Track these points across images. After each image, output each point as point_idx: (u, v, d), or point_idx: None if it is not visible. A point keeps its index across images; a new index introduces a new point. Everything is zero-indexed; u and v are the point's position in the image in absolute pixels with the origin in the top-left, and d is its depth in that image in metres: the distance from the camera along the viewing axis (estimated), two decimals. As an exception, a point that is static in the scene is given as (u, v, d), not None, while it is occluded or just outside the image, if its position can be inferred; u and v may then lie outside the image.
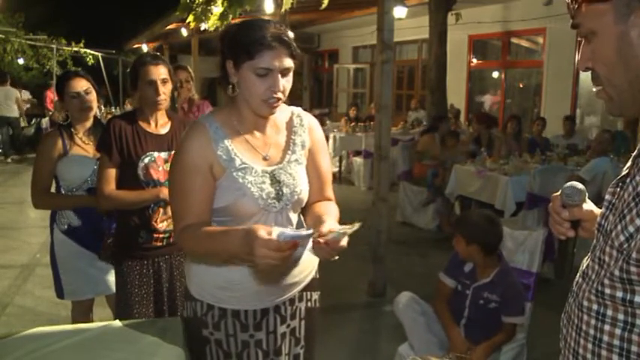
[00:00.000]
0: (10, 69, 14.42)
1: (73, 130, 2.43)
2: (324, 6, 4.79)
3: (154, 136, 2.19)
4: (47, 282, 2.91)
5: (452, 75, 8.31)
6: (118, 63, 16.45)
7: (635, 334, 0.86)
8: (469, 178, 5.08)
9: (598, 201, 1.08)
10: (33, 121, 11.78)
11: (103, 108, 9.93)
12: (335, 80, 13.29)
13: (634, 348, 0.86)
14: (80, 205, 2.41)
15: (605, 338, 0.90)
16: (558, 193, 1.12)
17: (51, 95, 11.52)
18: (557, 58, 8.12)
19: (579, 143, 6.36)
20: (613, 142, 5.03)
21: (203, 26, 5.35)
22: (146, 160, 2.14)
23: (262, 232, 1.20)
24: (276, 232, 1.19)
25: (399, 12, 7.64)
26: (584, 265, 0.99)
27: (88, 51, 14.82)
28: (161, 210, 2.16)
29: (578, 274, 1.01)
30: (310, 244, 1.26)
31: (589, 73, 0.93)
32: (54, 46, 13.88)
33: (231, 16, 4.94)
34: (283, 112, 1.56)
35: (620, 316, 0.88)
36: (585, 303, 0.95)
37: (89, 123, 2.48)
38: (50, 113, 10.82)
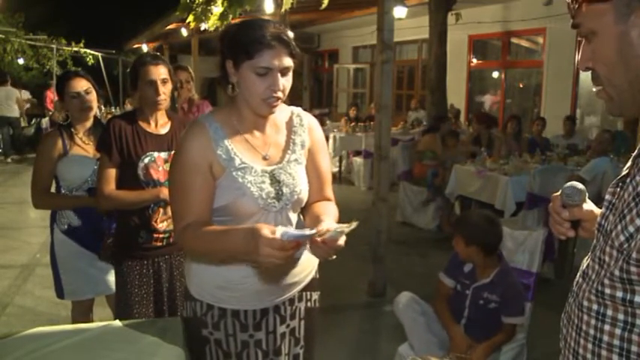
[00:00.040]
0: (10, 69, 14.42)
1: (73, 130, 2.43)
2: (324, 6, 4.79)
3: (153, 136, 2.19)
4: (47, 282, 2.91)
5: (452, 75, 8.31)
6: (118, 63, 16.46)
7: (635, 334, 0.86)
8: (469, 178, 5.08)
9: (598, 201, 1.08)
10: (33, 121, 11.79)
11: (103, 108, 9.93)
12: (335, 80, 13.29)
13: (634, 348, 0.86)
14: (80, 205, 2.41)
15: (605, 338, 0.90)
16: (558, 193, 1.12)
17: (51, 95, 11.52)
18: (557, 58, 8.12)
19: (579, 143, 6.36)
20: (613, 142, 5.03)
21: (203, 26, 5.35)
22: (146, 160, 2.14)
23: (266, 230, 1.20)
24: (279, 231, 1.20)
25: (399, 12, 7.64)
26: (584, 265, 0.99)
27: (88, 51, 14.83)
28: (161, 210, 2.16)
29: (578, 274, 1.01)
30: (308, 243, 1.26)
31: (589, 73, 0.93)
32: (54, 46, 13.89)
33: (231, 16, 4.94)
34: (283, 111, 1.56)
35: (620, 316, 0.88)
36: (585, 303, 0.95)
37: (89, 123, 2.48)
38: (50, 113, 10.83)
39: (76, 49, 14.53)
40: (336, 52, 14.39)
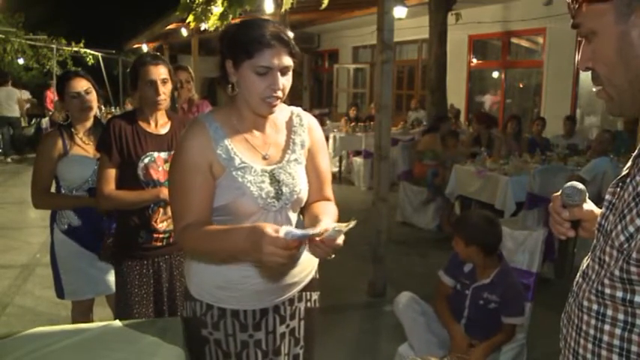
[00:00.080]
0: (10, 69, 14.43)
1: (73, 130, 2.43)
2: (324, 6, 4.79)
3: (153, 136, 2.19)
4: (47, 282, 2.91)
5: (452, 75, 8.31)
6: (118, 63, 16.47)
7: (635, 334, 0.86)
8: (469, 178, 5.08)
9: (598, 201, 1.09)
10: (33, 121, 11.81)
11: (103, 108, 9.93)
12: (335, 80, 13.29)
13: (634, 348, 0.86)
14: (80, 205, 2.41)
15: (605, 338, 0.90)
16: (559, 193, 1.12)
17: (51, 95, 11.53)
18: (557, 58, 8.12)
19: (579, 143, 6.36)
20: (613, 142, 5.03)
21: (203, 26, 5.35)
22: (146, 161, 2.14)
23: (270, 229, 1.21)
24: (283, 230, 1.20)
25: (399, 12, 7.64)
26: (585, 265, 0.99)
27: (88, 51, 14.83)
28: (161, 210, 2.16)
29: (578, 274, 1.01)
30: (307, 243, 1.26)
31: (589, 73, 0.93)
32: (54, 46, 13.90)
33: (231, 16, 4.94)
34: (283, 111, 1.56)
35: (620, 316, 0.88)
36: (585, 303, 0.95)
37: (89, 123, 2.48)
38: (50, 113, 10.84)
39: (76, 49, 14.54)
40: (336, 52, 14.39)
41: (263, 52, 1.35)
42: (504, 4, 8.79)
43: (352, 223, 1.22)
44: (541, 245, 2.64)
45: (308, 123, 1.58)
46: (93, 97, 2.44)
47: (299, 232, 1.22)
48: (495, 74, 10.08)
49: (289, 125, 1.56)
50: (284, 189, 1.47)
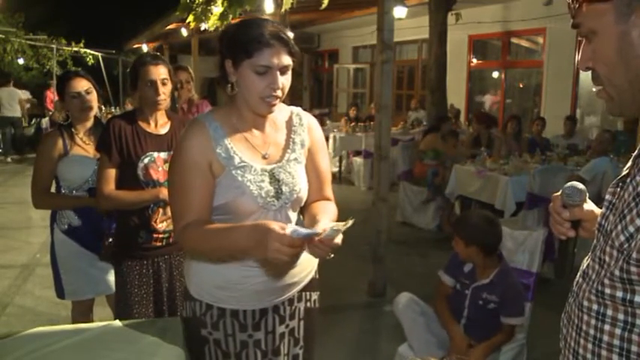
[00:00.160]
0: (10, 69, 14.45)
1: (73, 130, 2.43)
2: (324, 6, 4.79)
3: (153, 137, 2.19)
4: (47, 282, 2.91)
5: (452, 75, 8.31)
6: (118, 63, 16.47)
7: (635, 334, 0.86)
8: (469, 178, 5.08)
9: (598, 201, 1.09)
10: (33, 121, 11.81)
11: (103, 108, 9.93)
12: (335, 80, 13.29)
13: (634, 348, 0.86)
14: (80, 205, 2.41)
15: (605, 338, 0.90)
16: (559, 193, 1.12)
17: (51, 95, 11.54)
18: (557, 58, 8.12)
19: (579, 143, 6.36)
20: (613, 142, 5.03)
21: (203, 26, 5.35)
22: (146, 161, 2.14)
23: (276, 226, 1.21)
24: (290, 228, 1.21)
25: (399, 12, 7.64)
26: (585, 265, 0.99)
27: (88, 51, 14.83)
28: (161, 210, 2.16)
29: (578, 274, 1.01)
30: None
31: (589, 73, 0.93)
32: (54, 46, 13.90)
33: (231, 16, 4.94)
34: (283, 111, 1.56)
35: (620, 316, 0.88)
36: (585, 303, 0.95)
37: (90, 123, 2.48)
38: (50, 113, 10.85)
39: (76, 49, 14.54)
40: (336, 52, 14.39)
41: (262, 51, 1.35)
42: (504, 4, 8.79)
43: (350, 222, 1.22)
44: (541, 245, 2.64)
45: (308, 122, 1.58)
46: (93, 97, 2.44)
47: (304, 231, 1.22)
48: (495, 74, 10.08)
49: (289, 125, 1.56)
50: (284, 188, 1.47)
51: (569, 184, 1.11)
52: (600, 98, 0.93)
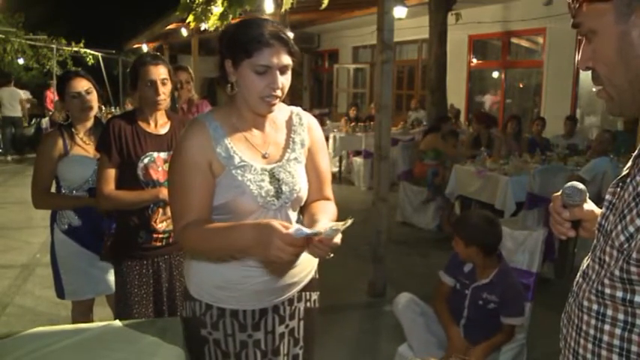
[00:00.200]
0: (10, 69, 14.45)
1: (73, 130, 2.43)
2: (324, 6, 4.79)
3: (153, 137, 2.19)
4: (47, 282, 2.91)
5: (452, 75, 8.31)
6: (118, 63, 16.47)
7: (635, 334, 0.86)
8: (469, 178, 5.08)
9: (598, 201, 1.09)
10: (33, 121, 11.81)
11: (103, 108, 9.94)
12: (335, 80, 13.28)
13: (634, 348, 0.86)
14: (80, 205, 2.41)
15: (605, 338, 0.90)
16: (559, 193, 1.12)
17: (51, 95, 11.55)
18: (557, 58, 8.12)
19: (579, 143, 6.36)
20: (613, 142, 5.03)
21: (203, 26, 5.35)
22: (146, 161, 2.14)
23: (278, 224, 1.22)
24: (294, 227, 1.21)
25: (399, 12, 7.64)
26: (585, 265, 0.99)
27: (88, 51, 14.83)
28: (160, 210, 2.16)
29: (578, 274, 1.01)
30: None
31: (589, 73, 0.93)
32: (54, 46, 13.90)
33: (231, 16, 4.94)
34: (283, 111, 1.56)
35: (620, 316, 0.88)
36: (585, 303, 0.95)
37: (90, 123, 2.48)
38: (50, 113, 10.85)
39: (76, 49, 14.54)
40: (336, 52, 14.39)
41: (262, 51, 1.35)
42: (504, 4, 8.79)
43: (349, 222, 1.22)
44: (541, 245, 2.64)
45: (308, 122, 1.58)
46: (93, 97, 2.44)
47: (308, 231, 1.22)
48: (495, 74, 10.08)
49: (289, 124, 1.56)
50: (284, 188, 1.47)
51: (569, 184, 1.11)
52: (600, 98, 0.93)
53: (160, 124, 2.23)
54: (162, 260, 2.20)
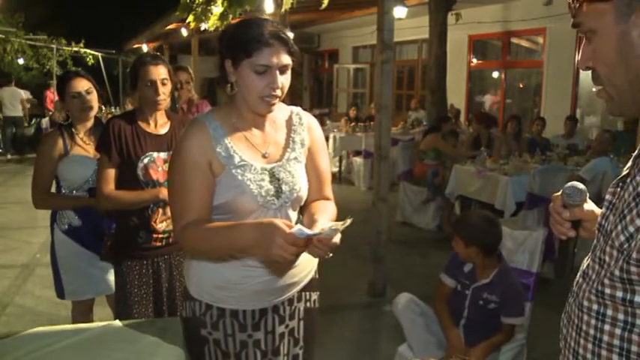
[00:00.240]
0: (10, 69, 14.44)
1: (73, 130, 2.43)
2: (324, 6, 4.80)
3: (153, 137, 2.19)
4: (47, 282, 2.91)
5: (452, 75, 8.31)
6: (118, 63, 16.47)
7: (635, 334, 0.86)
8: (469, 178, 5.08)
9: (598, 201, 1.09)
10: (33, 121, 11.81)
11: (104, 108, 9.94)
12: (335, 80, 13.29)
13: (634, 348, 0.86)
14: (80, 205, 2.41)
15: (605, 338, 0.90)
16: (559, 193, 1.12)
17: (51, 95, 11.55)
18: (557, 58, 8.12)
19: (579, 143, 6.36)
20: (613, 142, 5.03)
21: (203, 26, 5.35)
22: (145, 161, 2.14)
23: (281, 223, 1.22)
24: (296, 227, 1.21)
25: (399, 12, 7.64)
26: (585, 265, 0.99)
27: (88, 51, 14.83)
28: (160, 210, 2.16)
29: (578, 274, 1.01)
30: None
31: (589, 73, 0.93)
32: (54, 46, 13.90)
33: (231, 16, 4.94)
34: (283, 110, 1.56)
35: (620, 316, 0.88)
36: (585, 303, 0.95)
37: (90, 123, 2.48)
38: (50, 113, 10.85)
39: (76, 49, 14.54)
40: (336, 52, 14.39)
41: (262, 50, 1.35)
42: (504, 4, 8.79)
43: (348, 222, 1.22)
44: (541, 245, 2.64)
45: (308, 122, 1.59)
46: (94, 97, 2.45)
47: (310, 231, 1.23)
48: (495, 74, 10.08)
49: (289, 124, 1.56)
50: (284, 187, 1.47)
51: (569, 184, 1.11)
52: (600, 98, 0.93)
53: (160, 124, 2.23)
54: (162, 260, 2.20)
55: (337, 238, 1.26)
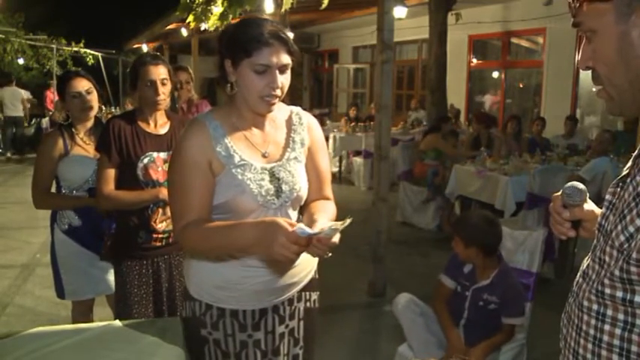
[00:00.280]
0: (10, 69, 14.44)
1: (74, 130, 2.43)
2: (324, 6, 4.80)
3: (153, 137, 2.19)
4: (47, 282, 2.91)
5: (452, 75, 8.31)
6: (118, 63, 16.47)
7: (635, 334, 0.86)
8: (469, 178, 5.08)
9: (598, 201, 1.09)
10: (33, 121, 11.81)
11: (104, 108, 9.94)
12: (335, 80, 13.28)
13: (634, 348, 0.86)
14: (80, 205, 2.42)
15: (605, 338, 0.90)
16: (559, 193, 1.12)
17: (51, 95, 11.55)
18: (557, 58, 8.12)
19: (579, 143, 6.36)
20: (613, 142, 5.03)
21: (203, 26, 5.36)
22: (145, 161, 2.14)
23: (283, 222, 1.22)
24: (298, 226, 1.21)
25: (399, 12, 7.64)
26: (585, 265, 0.99)
27: (88, 51, 14.84)
28: (160, 210, 2.16)
29: (578, 274, 1.01)
30: None
31: (589, 73, 0.93)
32: (54, 46, 13.90)
33: (231, 16, 4.95)
34: (282, 110, 1.56)
35: (620, 316, 0.88)
36: (585, 303, 0.95)
37: (90, 123, 2.48)
38: (50, 113, 10.85)
39: (76, 49, 14.55)
40: (336, 52, 14.39)
41: (261, 50, 1.35)
42: (504, 4, 8.79)
43: (348, 221, 1.22)
44: (541, 245, 2.64)
45: (307, 122, 1.59)
46: (94, 96, 2.45)
47: (312, 231, 1.23)
48: (495, 74, 10.08)
49: (289, 124, 1.56)
50: (284, 187, 1.47)
51: (569, 184, 1.11)
52: (600, 98, 0.93)
53: (160, 124, 2.23)
54: (162, 260, 2.20)
55: (336, 238, 1.26)
